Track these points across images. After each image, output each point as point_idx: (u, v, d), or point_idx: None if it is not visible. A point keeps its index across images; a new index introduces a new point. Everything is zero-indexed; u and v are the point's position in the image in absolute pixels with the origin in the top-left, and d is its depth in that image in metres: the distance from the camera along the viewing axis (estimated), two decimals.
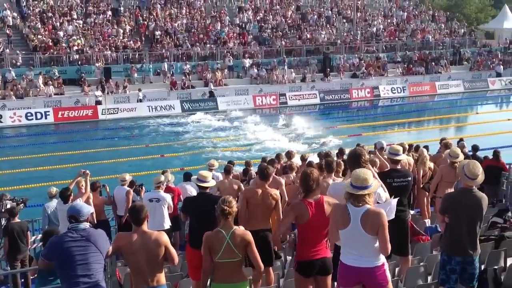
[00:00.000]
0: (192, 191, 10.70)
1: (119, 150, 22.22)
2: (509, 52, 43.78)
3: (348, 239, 4.78)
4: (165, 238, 5.31)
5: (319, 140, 23.36)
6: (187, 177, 11.38)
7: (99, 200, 10.65)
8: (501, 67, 38.99)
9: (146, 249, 5.18)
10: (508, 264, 7.09)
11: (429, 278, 6.68)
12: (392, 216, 5.33)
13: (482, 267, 6.72)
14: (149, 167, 18.87)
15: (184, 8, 38.84)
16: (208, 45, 35.42)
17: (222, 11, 39.00)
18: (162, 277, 5.38)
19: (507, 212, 9.50)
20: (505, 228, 8.80)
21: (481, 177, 5.67)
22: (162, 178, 10.42)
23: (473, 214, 5.61)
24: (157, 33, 35.00)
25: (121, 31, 34.49)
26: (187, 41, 35.32)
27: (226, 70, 34.00)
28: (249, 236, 5.12)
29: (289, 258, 8.29)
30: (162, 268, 5.38)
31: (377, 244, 4.71)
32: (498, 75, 38.60)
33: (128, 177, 11.19)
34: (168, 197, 9.83)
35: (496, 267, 6.87)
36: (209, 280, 5.28)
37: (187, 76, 32.63)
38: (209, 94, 31.76)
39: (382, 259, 4.80)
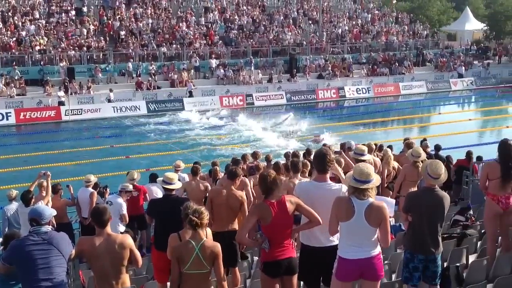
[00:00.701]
0: (157, 192, 10.62)
1: (82, 151, 21.86)
2: (471, 53, 44.82)
3: (350, 231, 4.91)
4: (129, 241, 5.24)
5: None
6: (153, 178, 11.29)
7: (61, 202, 10.45)
8: (463, 68, 39.83)
9: (110, 253, 5.10)
10: (470, 261, 7.23)
11: (393, 276, 6.76)
12: (392, 214, 5.44)
13: (445, 264, 6.84)
14: (113, 169, 18.65)
15: (150, 8, 38.50)
16: (174, 46, 35.19)
17: (188, 12, 38.80)
18: (127, 280, 5.30)
19: (469, 210, 9.69)
20: (467, 226, 8.98)
21: (443, 176, 5.75)
22: (136, 175, 10.34)
23: (435, 213, 5.69)
24: (122, 33, 34.61)
25: (85, 31, 33.99)
26: (152, 41, 35.02)
27: (192, 70, 33.84)
28: (219, 248, 5.04)
29: (256, 258, 8.29)
30: (126, 271, 5.31)
31: (376, 235, 4.93)
32: (460, 76, 39.42)
33: (92, 178, 11.03)
34: (121, 206, 9.71)
35: (458, 264, 6.99)
36: None
37: (153, 77, 32.35)
38: (188, 94, 31.85)
39: (379, 248, 5.01)
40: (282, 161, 10.80)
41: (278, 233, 5.19)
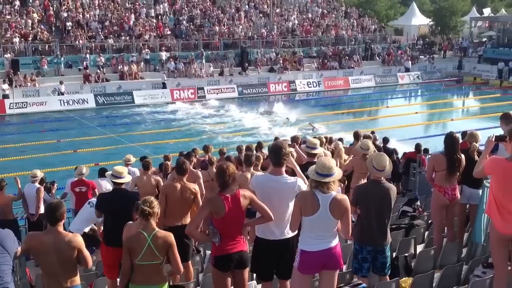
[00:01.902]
0: (107, 187, 10.41)
1: (28, 146, 21.23)
2: (417, 48, 45.93)
3: (314, 224, 4.95)
4: (78, 241, 5.08)
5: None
6: (102, 172, 11.06)
7: (6, 198, 10.12)
8: (410, 62, 40.76)
9: (57, 251, 4.96)
10: (418, 251, 7.42)
11: (344, 267, 6.86)
12: None
13: (394, 254, 7.00)
14: (61, 163, 18.21)
15: None
16: (122, 38, 34.54)
17: (137, 3, 38.12)
18: (76, 278, 5.18)
19: (416, 201, 9.95)
20: (415, 216, 9.22)
21: (388, 169, 5.85)
22: (84, 169, 10.12)
23: (382, 205, 5.80)
24: (69, 24, 33.68)
25: (30, 21, 32.89)
26: (100, 33, 34.26)
27: (142, 63, 33.33)
28: (171, 238, 5.04)
29: (208, 252, 8.25)
30: (76, 269, 5.17)
31: (337, 226, 5.03)
32: (407, 70, 40.34)
33: (39, 173, 10.75)
34: None
35: (406, 254, 7.17)
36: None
37: (101, 69, 31.67)
38: (162, 85, 31.66)
39: (338, 239, 5.12)
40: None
41: (230, 227, 5.17)
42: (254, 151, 10.81)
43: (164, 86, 31.94)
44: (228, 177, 5.13)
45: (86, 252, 5.14)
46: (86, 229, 9.11)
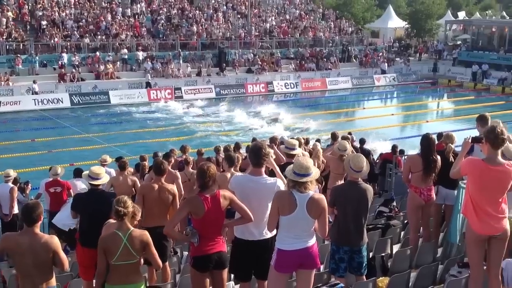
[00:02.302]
0: (82, 187, 10.30)
1: (1, 145, 20.86)
2: (393, 50, 46.40)
3: (291, 223, 4.96)
4: (55, 243, 5.01)
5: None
6: (77, 173, 10.94)
7: None
8: (386, 64, 41.13)
9: (33, 252, 4.89)
10: (394, 251, 7.49)
11: (321, 267, 6.89)
12: None
13: (370, 254, 7.05)
14: (35, 163, 17.95)
15: None
16: (99, 37, 34.19)
17: (113, 2, 37.79)
18: (52, 280, 5.11)
19: (392, 201, 10.06)
20: (391, 217, 9.31)
21: (365, 169, 5.90)
22: (59, 170, 9.98)
23: (359, 206, 5.84)
24: (44, 23, 33.22)
25: (4, 20, 32.34)
26: (76, 32, 33.86)
27: (118, 62, 33.03)
28: (147, 236, 5.03)
29: (185, 253, 8.21)
30: (52, 271, 5.11)
31: (313, 226, 5.05)
32: (383, 72, 40.69)
33: (12, 173, 10.61)
34: None
35: (383, 254, 7.23)
36: None
37: (77, 69, 31.30)
38: (146, 84, 31.55)
39: (315, 238, 5.14)
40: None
41: (209, 228, 5.15)
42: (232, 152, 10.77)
43: (148, 85, 31.85)
44: (208, 178, 5.11)
45: (62, 254, 5.08)
46: (72, 226, 8.98)
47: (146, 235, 5.03)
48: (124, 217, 4.95)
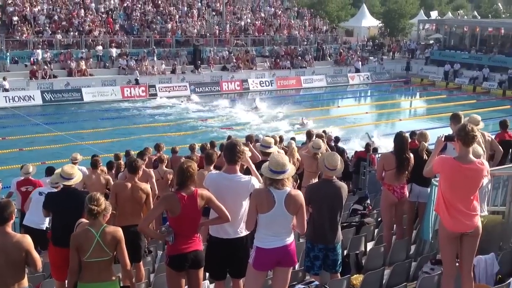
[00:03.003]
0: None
1: None
2: (367, 49, 46.79)
3: (270, 221, 4.96)
4: (27, 242, 4.91)
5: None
6: (49, 171, 10.74)
7: None
8: (360, 63, 41.44)
9: (5, 252, 4.80)
10: (368, 249, 7.55)
11: (296, 265, 6.91)
12: None
13: (345, 252, 7.10)
14: (6, 162, 17.64)
15: None
16: (71, 33, 33.71)
17: None
18: (24, 280, 5.02)
19: (366, 199, 10.13)
20: (365, 214, 9.39)
21: (340, 168, 5.93)
22: (31, 168, 9.79)
23: (334, 204, 5.88)
24: (15, 18, 32.61)
25: None
26: (48, 28, 33.32)
27: (91, 59, 32.63)
28: (120, 233, 5.00)
29: (160, 253, 8.15)
30: (24, 271, 5.02)
31: (292, 223, 5.06)
32: (357, 70, 40.99)
33: None
34: None
35: (357, 251, 7.29)
36: None
37: (49, 65, 30.81)
38: (135, 81, 31.29)
39: (293, 236, 5.17)
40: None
41: (185, 226, 5.12)
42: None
43: (137, 82, 31.81)
44: (187, 177, 5.08)
45: (35, 254, 4.99)
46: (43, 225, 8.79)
47: (119, 231, 5.00)
48: (97, 215, 4.91)
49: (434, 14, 61.49)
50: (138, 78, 31.91)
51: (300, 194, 5.08)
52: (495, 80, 37.60)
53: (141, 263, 6.77)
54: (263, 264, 5.08)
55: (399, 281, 6.16)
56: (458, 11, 67.48)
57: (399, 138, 7.39)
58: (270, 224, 5.00)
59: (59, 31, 33.36)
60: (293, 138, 13.05)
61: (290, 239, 5.11)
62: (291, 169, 5.04)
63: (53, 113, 27.01)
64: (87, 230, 4.91)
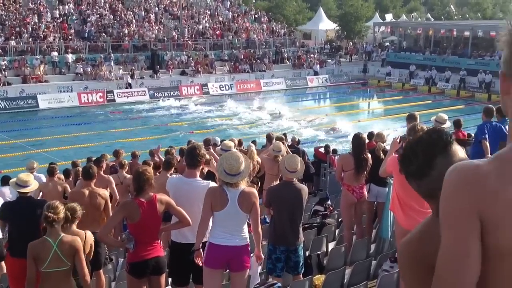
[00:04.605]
0: (10, 195, 9.86)
1: None
2: (324, 52, 47.33)
3: (223, 219, 4.95)
4: None
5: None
6: (4, 180, 10.47)
7: None
8: (318, 66, 41.84)
9: None
10: (329, 249, 7.64)
11: (259, 268, 6.93)
12: None
13: (307, 253, 7.16)
14: None
15: None
16: (25, 39, 32.94)
17: (40, 3, 36.52)
18: None
19: (327, 200, 10.26)
20: (326, 215, 9.49)
21: (300, 170, 5.99)
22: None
23: (294, 206, 5.93)
24: None
25: None
26: (1, 34, 32.48)
27: (47, 66, 31.95)
28: (78, 242, 4.90)
29: (121, 260, 8.05)
30: None
31: (246, 224, 5.07)
32: (316, 73, 41.36)
33: None
34: None
35: (319, 252, 7.36)
36: None
37: (3, 72, 30.03)
38: (127, 85, 31.24)
39: (247, 240, 5.11)
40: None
41: (146, 233, 5.07)
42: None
43: (129, 86, 31.93)
44: (143, 182, 5.04)
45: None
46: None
47: (77, 241, 4.90)
48: (54, 224, 4.79)
49: (389, 17, 62.62)
50: (130, 82, 32.24)
51: (253, 192, 5.09)
52: (449, 81, 38.49)
53: (101, 271, 6.67)
54: (213, 260, 5.01)
55: (360, 280, 6.24)
56: (412, 14, 68.97)
57: (356, 139, 7.52)
58: (223, 222, 4.99)
59: (13, 37, 32.56)
60: (253, 141, 13.08)
61: (243, 242, 5.08)
62: (245, 171, 5.00)
63: (8, 121, 26.34)
64: (44, 239, 4.81)
